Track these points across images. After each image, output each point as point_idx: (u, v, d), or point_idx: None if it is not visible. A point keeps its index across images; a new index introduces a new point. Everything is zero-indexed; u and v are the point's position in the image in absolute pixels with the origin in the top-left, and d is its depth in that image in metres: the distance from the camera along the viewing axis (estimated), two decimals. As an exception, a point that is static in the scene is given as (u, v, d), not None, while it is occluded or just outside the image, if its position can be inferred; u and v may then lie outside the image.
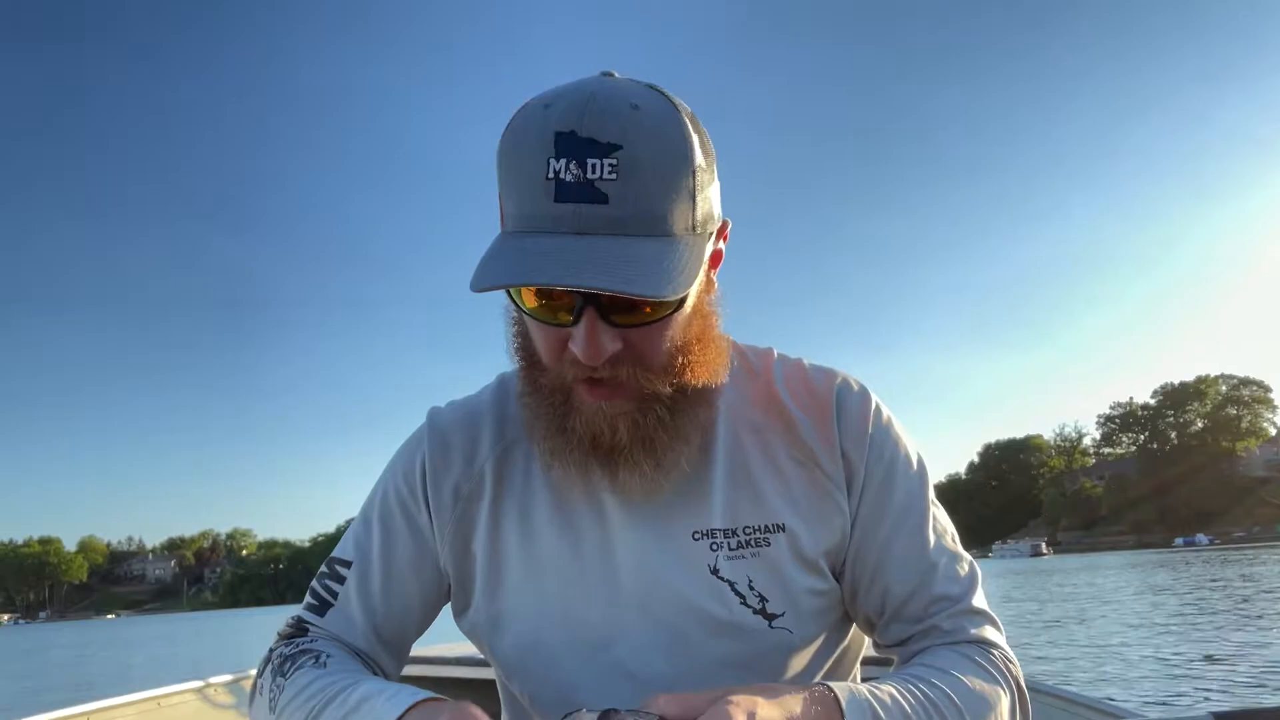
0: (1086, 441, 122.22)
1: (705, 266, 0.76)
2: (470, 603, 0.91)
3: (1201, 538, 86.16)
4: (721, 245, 0.82)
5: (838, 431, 0.87)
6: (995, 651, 0.85)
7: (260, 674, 0.89)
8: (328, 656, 0.85)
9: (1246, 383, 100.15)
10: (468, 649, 3.10)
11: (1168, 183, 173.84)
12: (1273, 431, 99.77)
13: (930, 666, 0.81)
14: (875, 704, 0.73)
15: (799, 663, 0.87)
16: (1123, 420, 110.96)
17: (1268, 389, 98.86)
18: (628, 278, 0.66)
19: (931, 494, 0.90)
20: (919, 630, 0.87)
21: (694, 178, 0.72)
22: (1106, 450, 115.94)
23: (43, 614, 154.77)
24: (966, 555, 0.90)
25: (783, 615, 0.85)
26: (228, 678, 2.52)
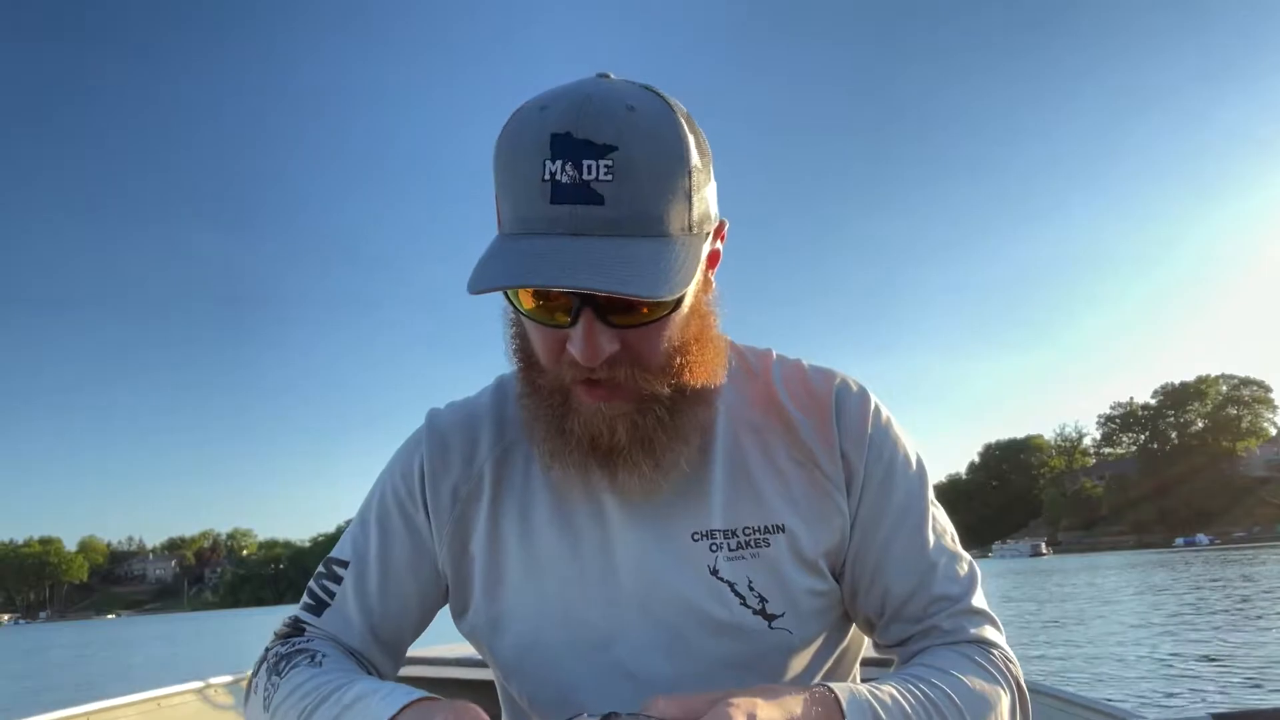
0: (1087, 441, 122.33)
1: (702, 267, 0.77)
2: (469, 604, 0.91)
3: (1202, 538, 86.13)
4: (719, 245, 0.82)
5: (837, 432, 0.87)
6: (995, 651, 0.85)
7: (255, 673, 0.89)
8: (324, 656, 0.85)
9: (1247, 383, 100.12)
10: (466, 650, 3.10)
11: (1168, 183, 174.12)
12: (1273, 431, 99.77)
13: (930, 666, 0.81)
14: (876, 704, 0.74)
15: (799, 663, 0.88)
16: (1123, 420, 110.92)
17: (1268, 389, 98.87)
18: (624, 278, 0.66)
19: (931, 494, 0.90)
20: (919, 630, 0.87)
21: (690, 178, 0.72)
22: (1107, 450, 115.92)
23: (43, 614, 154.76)
24: (966, 555, 0.90)
25: (782, 616, 0.85)
26: (228, 678, 2.52)
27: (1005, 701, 0.81)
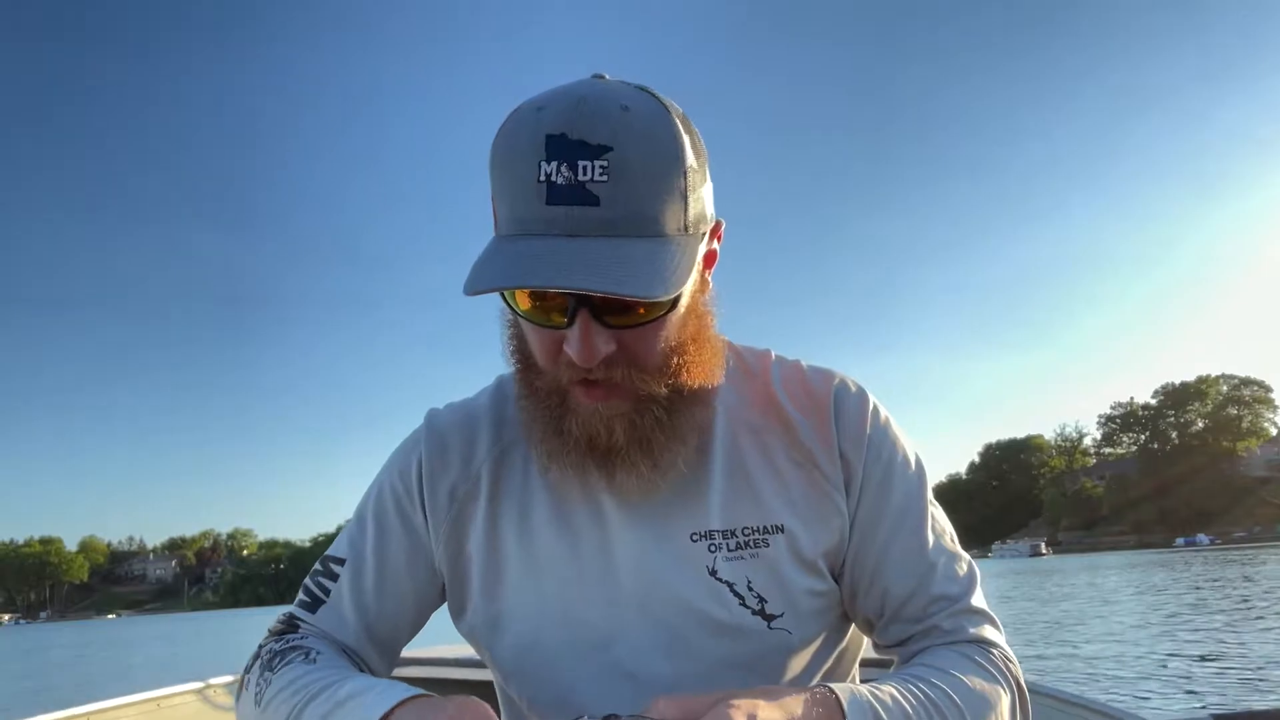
0: (1087, 441, 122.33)
1: (699, 267, 0.77)
2: (467, 604, 0.91)
3: (1202, 538, 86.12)
4: (716, 245, 0.82)
5: (836, 433, 0.88)
6: (995, 651, 0.86)
7: (248, 670, 0.88)
8: (318, 653, 0.85)
9: (1247, 383, 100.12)
10: (464, 650, 3.10)
11: (1168, 183, 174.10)
12: (1273, 431, 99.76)
13: (930, 666, 0.82)
14: (877, 705, 0.74)
15: (798, 663, 0.88)
16: (1123, 420, 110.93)
17: (1268, 389, 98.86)
18: (619, 279, 0.66)
19: (930, 494, 0.90)
20: (919, 630, 0.87)
21: (685, 178, 0.72)
22: (1107, 450, 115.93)
23: (43, 614, 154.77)
24: (965, 555, 0.90)
25: (781, 616, 0.85)
26: (228, 678, 2.52)
27: (1005, 701, 0.81)
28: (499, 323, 0.84)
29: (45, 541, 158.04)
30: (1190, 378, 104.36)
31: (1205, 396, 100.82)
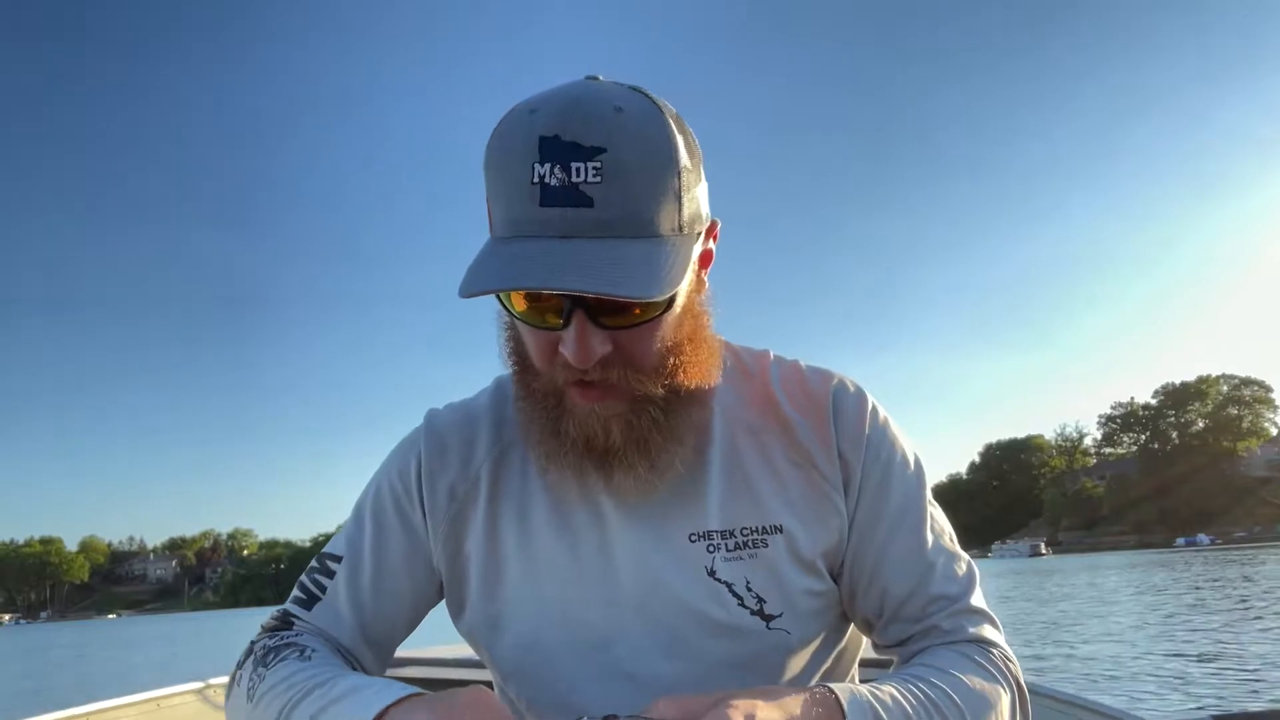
0: (1087, 441, 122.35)
1: (695, 267, 0.77)
2: (465, 604, 0.91)
3: (1203, 538, 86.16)
4: (712, 245, 0.82)
5: (834, 433, 0.88)
6: (994, 650, 0.86)
7: (240, 665, 0.88)
8: (313, 651, 0.84)
9: (1248, 383, 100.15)
10: (463, 650, 3.10)
11: (1168, 183, 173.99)
12: (1274, 431, 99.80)
13: (930, 666, 0.82)
14: (877, 705, 0.74)
15: (797, 663, 0.88)
16: (1124, 420, 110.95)
17: (1269, 389, 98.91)
18: (614, 280, 0.66)
19: (929, 494, 0.90)
20: (918, 630, 0.87)
21: (679, 178, 0.72)
22: (1107, 450, 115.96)
23: (44, 614, 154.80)
24: (964, 555, 0.90)
25: (780, 616, 0.85)
26: (228, 678, 2.53)
27: (1005, 700, 0.81)
28: (496, 324, 0.84)
29: (45, 541, 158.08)
30: (1190, 378, 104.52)
31: (1205, 396, 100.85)
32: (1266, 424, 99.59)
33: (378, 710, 0.69)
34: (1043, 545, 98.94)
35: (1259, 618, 14.07)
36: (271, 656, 0.84)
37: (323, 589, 0.91)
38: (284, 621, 0.91)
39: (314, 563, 0.94)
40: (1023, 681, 0.86)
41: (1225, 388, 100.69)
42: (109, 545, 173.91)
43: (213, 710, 2.43)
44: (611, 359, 0.74)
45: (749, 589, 0.84)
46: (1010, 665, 0.85)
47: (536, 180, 0.69)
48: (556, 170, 0.68)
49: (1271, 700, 7.51)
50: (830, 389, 0.90)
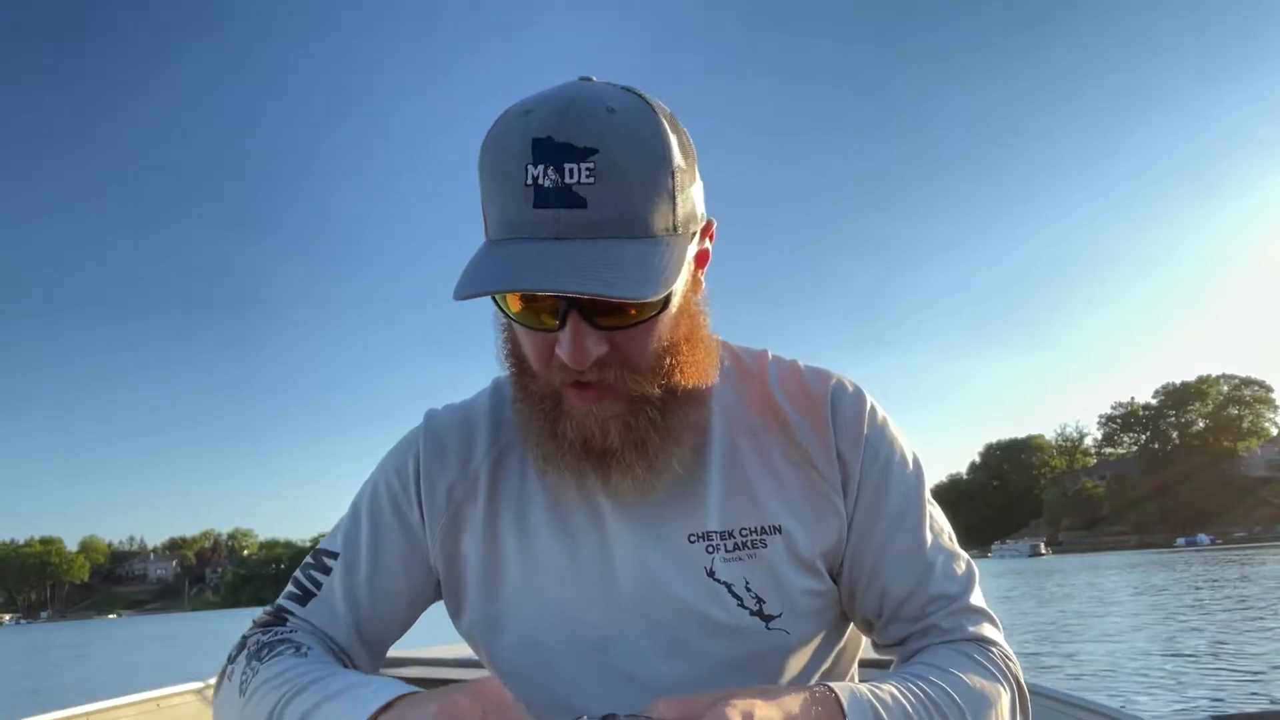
0: (1088, 441, 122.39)
1: (690, 266, 0.77)
2: (464, 605, 0.91)
3: (1203, 538, 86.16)
4: (708, 245, 0.82)
5: (833, 433, 0.88)
6: (994, 649, 0.86)
7: (232, 660, 0.86)
8: (308, 648, 0.84)
9: (1248, 383, 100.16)
10: (462, 650, 3.10)
11: (1168, 183, 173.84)
12: (1274, 431, 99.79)
13: (930, 665, 0.82)
14: (877, 704, 0.74)
15: (796, 663, 0.88)
16: (1124, 420, 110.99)
17: (1269, 389, 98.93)
18: (608, 280, 0.67)
19: (928, 493, 0.90)
20: (918, 629, 0.87)
21: (673, 178, 0.72)
22: (1108, 450, 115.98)
23: (44, 614, 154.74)
24: (963, 554, 0.90)
25: (780, 616, 0.85)
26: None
27: (1005, 699, 0.81)
28: (493, 325, 0.84)
29: (46, 541, 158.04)
30: (1191, 378, 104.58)
31: (1206, 396, 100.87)
32: (1267, 424, 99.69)
33: (376, 707, 0.69)
34: (1042, 545, 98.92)
35: (1259, 618, 14.07)
36: (266, 652, 0.83)
37: (318, 585, 0.91)
38: (278, 617, 0.91)
39: (309, 559, 0.94)
40: (1022, 680, 0.86)
41: (1225, 388, 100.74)
42: (109, 545, 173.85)
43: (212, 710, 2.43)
44: (608, 360, 0.74)
45: (748, 589, 0.85)
46: (1010, 664, 0.85)
47: (530, 182, 0.69)
48: (550, 172, 0.68)
49: (1271, 700, 7.51)
50: (829, 389, 0.90)
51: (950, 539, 0.90)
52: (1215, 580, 24.96)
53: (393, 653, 0.87)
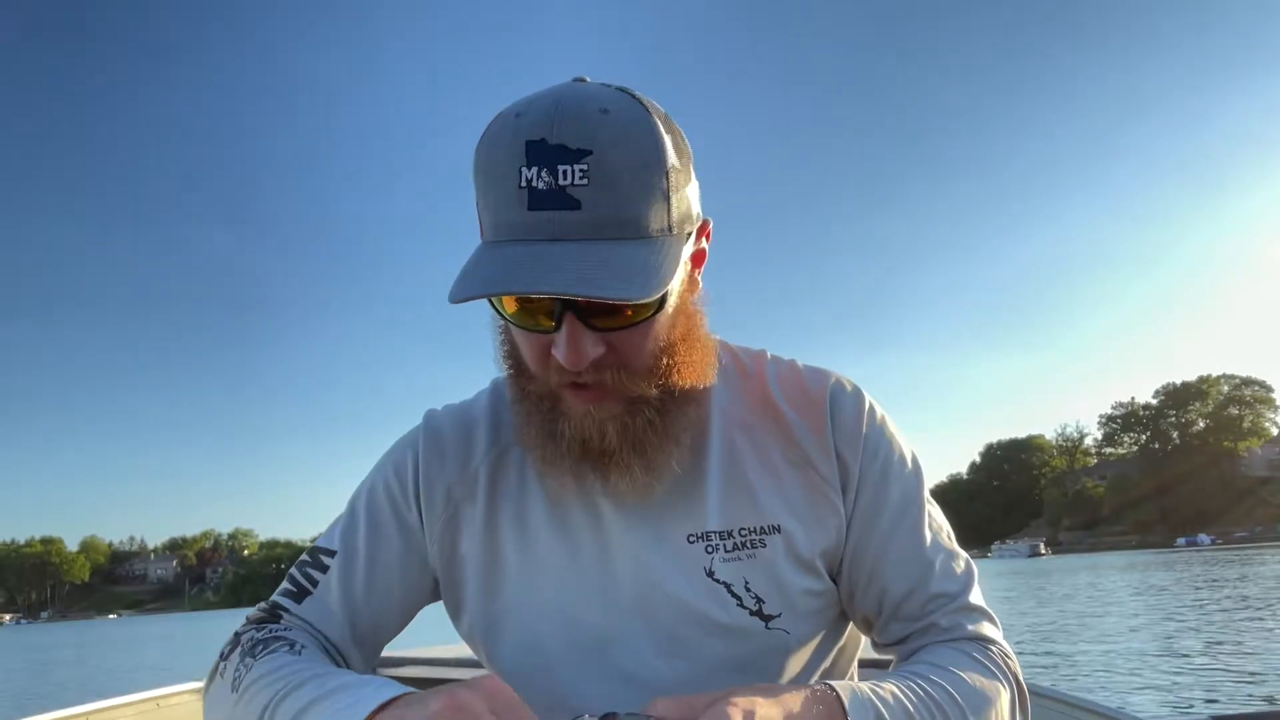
0: (1088, 441, 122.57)
1: (686, 266, 0.77)
2: (463, 605, 0.91)
3: (1203, 538, 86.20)
4: (704, 244, 0.82)
5: (832, 432, 0.88)
6: (994, 647, 0.86)
7: (225, 656, 0.85)
8: (302, 646, 0.83)
9: (1248, 383, 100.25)
10: (461, 650, 3.10)
11: (1168, 183, 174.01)
12: (1274, 431, 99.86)
13: (930, 664, 0.82)
14: (878, 702, 0.74)
15: (796, 663, 0.88)
16: (1124, 420, 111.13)
17: (1269, 389, 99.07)
18: (602, 282, 0.67)
19: (927, 493, 0.90)
20: (917, 628, 0.88)
21: (667, 178, 0.72)
22: (1108, 450, 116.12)
23: (44, 614, 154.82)
24: (962, 552, 0.90)
25: (779, 616, 0.85)
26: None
27: (1005, 697, 0.82)
28: (491, 326, 0.84)
29: (46, 541, 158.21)
30: (1191, 378, 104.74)
31: (1206, 396, 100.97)
32: (1267, 424, 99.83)
33: (373, 706, 0.68)
34: (1042, 545, 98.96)
35: (1260, 618, 14.07)
36: (260, 648, 0.82)
37: (314, 583, 0.91)
38: (272, 614, 0.90)
39: (306, 556, 0.94)
40: (1022, 678, 0.86)
41: (1226, 388, 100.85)
42: (109, 545, 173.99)
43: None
44: (604, 361, 0.74)
45: (747, 589, 0.85)
46: (1009, 662, 0.86)
47: (524, 184, 0.69)
48: (543, 174, 0.68)
49: (1270, 700, 7.51)
50: (827, 388, 0.90)
51: (949, 538, 0.90)
52: (1215, 580, 24.96)
53: (393, 652, 0.87)
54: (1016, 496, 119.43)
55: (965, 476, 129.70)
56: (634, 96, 0.74)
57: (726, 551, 0.85)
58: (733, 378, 0.91)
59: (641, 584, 0.85)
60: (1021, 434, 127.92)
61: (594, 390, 0.76)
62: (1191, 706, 7.35)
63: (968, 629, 0.86)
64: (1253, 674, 8.79)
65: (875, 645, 0.93)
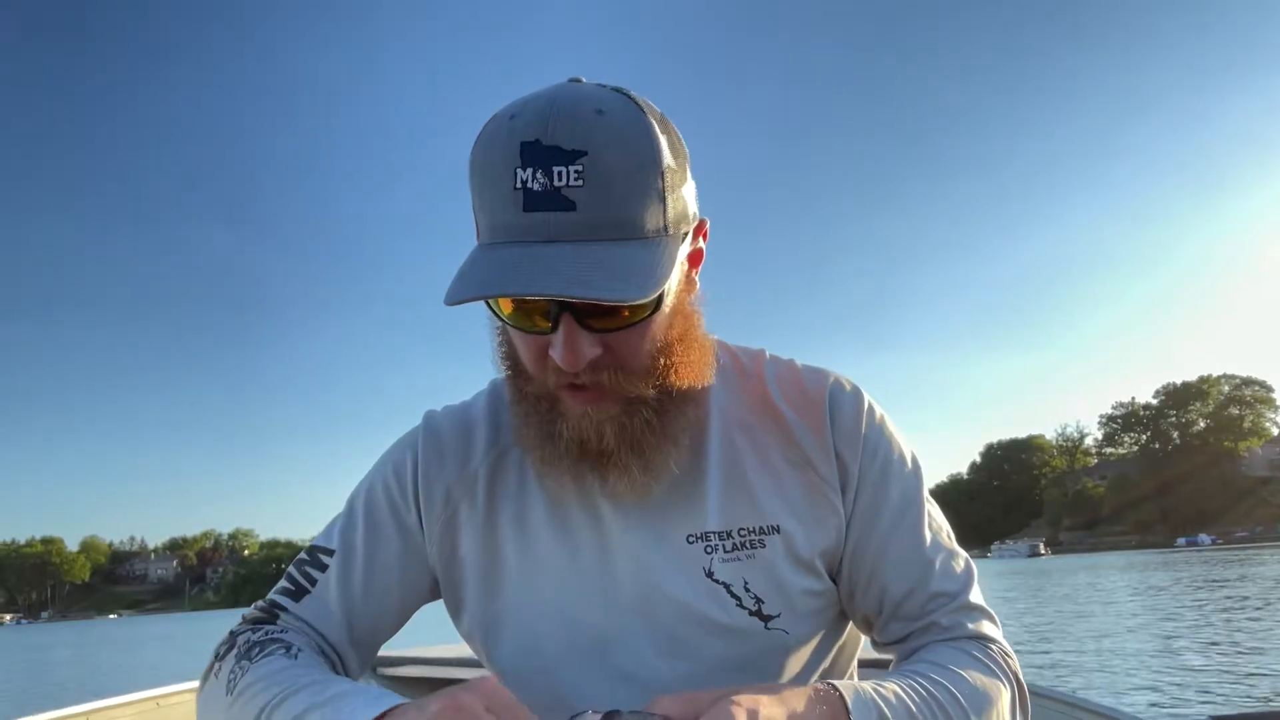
0: (1088, 441, 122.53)
1: (683, 267, 0.78)
2: (462, 606, 0.91)
3: (1204, 538, 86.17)
4: (701, 244, 0.82)
5: (831, 432, 0.88)
6: (994, 646, 0.86)
7: (220, 657, 0.85)
8: (299, 650, 0.83)
9: (1249, 382, 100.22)
10: (462, 650, 3.10)
11: (1168, 183, 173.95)
12: (1275, 431, 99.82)
13: (931, 663, 0.82)
14: (880, 702, 0.74)
15: (796, 663, 0.88)
16: (1125, 420, 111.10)
17: (1270, 389, 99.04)
18: (597, 283, 0.66)
19: (926, 492, 0.90)
20: (917, 627, 0.88)
21: (663, 179, 0.72)
22: (1109, 450, 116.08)
23: (45, 614, 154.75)
24: (962, 552, 0.90)
25: (779, 616, 0.85)
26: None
27: (1006, 696, 0.82)
28: (488, 327, 0.84)
29: (46, 541, 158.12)
30: (1191, 378, 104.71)
31: (1207, 396, 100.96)
32: (1267, 424, 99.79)
33: (369, 718, 0.68)
34: (1041, 546, 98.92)
35: (1259, 618, 14.07)
36: (256, 651, 0.82)
37: (313, 582, 0.91)
38: (270, 613, 0.90)
39: (304, 554, 0.93)
40: (1022, 677, 0.86)
41: (1226, 387, 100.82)
42: (110, 545, 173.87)
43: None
44: (602, 361, 0.74)
45: (747, 589, 0.85)
46: (1009, 661, 0.86)
47: (519, 185, 0.69)
48: (538, 175, 0.68)
49: (1270, 700, 7.51)
50: (826, 388, 0.90)
51: (949, 537, 0.91)
52: (1215, 580, 24.96)
53: (392, 652, 0.88)
54: (1016, 496, 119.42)
55: (965, 476, 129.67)
56: (629, 97, 0.74)
57: (726, 552, 0.85)
58: (731, 378, 0.91)
59: (641, 584, 0.85)
60: (1022, 434, 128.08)
61: (591, 391, 0.76)
62: (1192, 706, 7.35)
63: (968, 628, 0.86)
64: (1252, 674, 8.79)
65: (875, 645, 0.93)
